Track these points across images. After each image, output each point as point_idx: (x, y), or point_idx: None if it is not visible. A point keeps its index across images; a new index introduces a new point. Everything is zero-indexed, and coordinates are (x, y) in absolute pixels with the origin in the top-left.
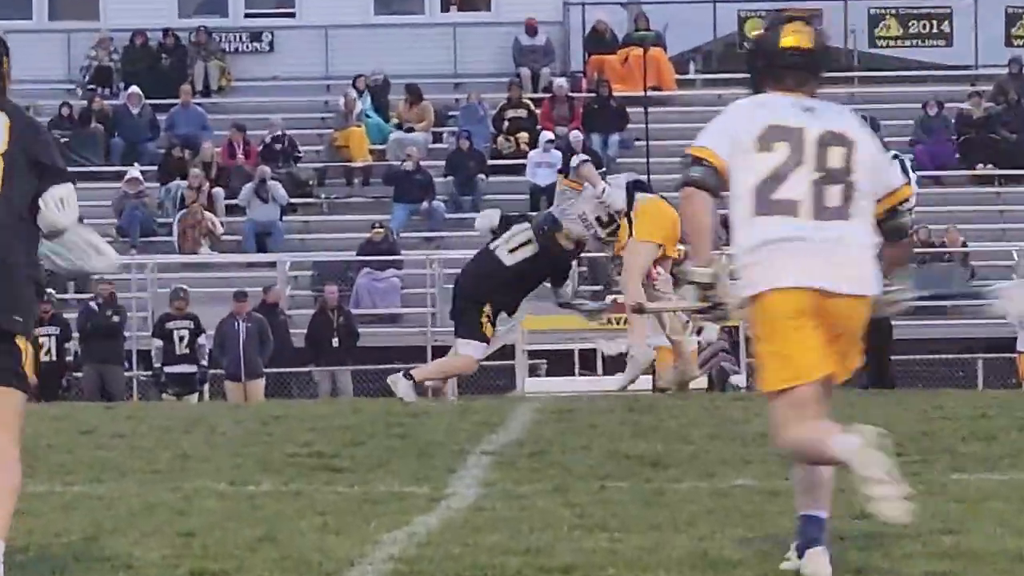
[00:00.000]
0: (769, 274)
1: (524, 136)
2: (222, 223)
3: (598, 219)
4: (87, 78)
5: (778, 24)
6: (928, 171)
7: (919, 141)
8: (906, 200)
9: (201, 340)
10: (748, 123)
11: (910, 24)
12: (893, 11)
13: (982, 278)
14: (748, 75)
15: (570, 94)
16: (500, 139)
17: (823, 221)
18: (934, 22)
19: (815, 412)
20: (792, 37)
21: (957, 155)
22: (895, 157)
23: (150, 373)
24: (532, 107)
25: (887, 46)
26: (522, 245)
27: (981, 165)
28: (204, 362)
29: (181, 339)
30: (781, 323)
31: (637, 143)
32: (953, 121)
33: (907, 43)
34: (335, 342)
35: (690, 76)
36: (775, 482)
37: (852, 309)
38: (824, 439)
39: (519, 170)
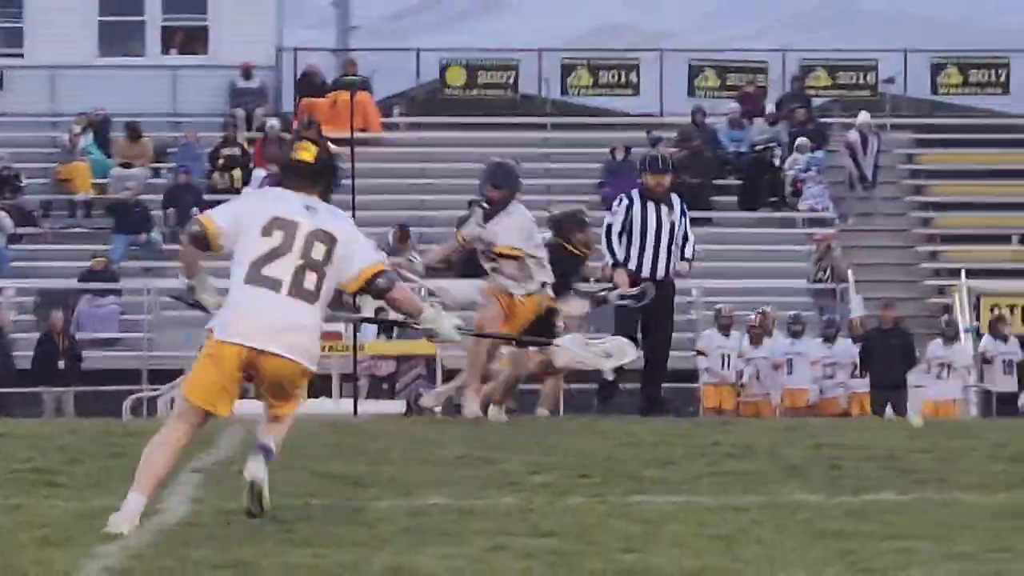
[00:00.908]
0: (229, 328)
1: (238, 173)
2: None
3: None
4: None
5: (293, 141)
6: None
7: (606, 183)
8: (378, 273)
9: None
10: (258, 209)
11: (600, 74)
12: (584, 62)
13: None
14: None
15: (281, 134)
16: (215, 175)
17: (295, 299)
18: (622, 72)
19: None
20: (300, 153)
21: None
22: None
23: None
24: (245, 146)
25: (579, 94)
26: None
27: None
28: None
29: None
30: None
31: (344, 182)
32: (638, 165)
33: (597, 92)
34: (61, 364)
35: (394, 119)
36: (470, 501)
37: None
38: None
39: None
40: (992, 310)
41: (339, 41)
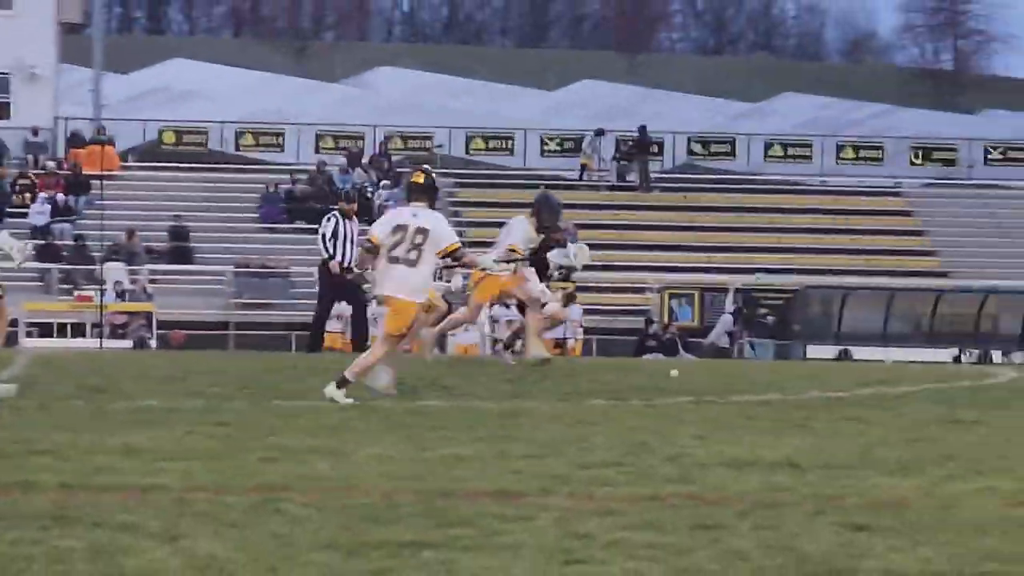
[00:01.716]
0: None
1: (28, 195)
2: None
3: None
4: None
5: (413, 170)
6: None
7: (262, 207)
8: (455, 248)
9: None
10: (389, 220)
11: (260, 137)
12: (253, 129)
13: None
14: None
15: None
16: (15, 196)
17: (406, 266)
18: (273, 136)
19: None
20: (415, 177)
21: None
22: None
23: None
24: (33, 178)
25: (247, 150)
26: None
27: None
28: None
29: None
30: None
31: (97, 202)
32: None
33: (259, 148)
34: None
35: (129, 163)
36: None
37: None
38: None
39: None
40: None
41: (95, 113)
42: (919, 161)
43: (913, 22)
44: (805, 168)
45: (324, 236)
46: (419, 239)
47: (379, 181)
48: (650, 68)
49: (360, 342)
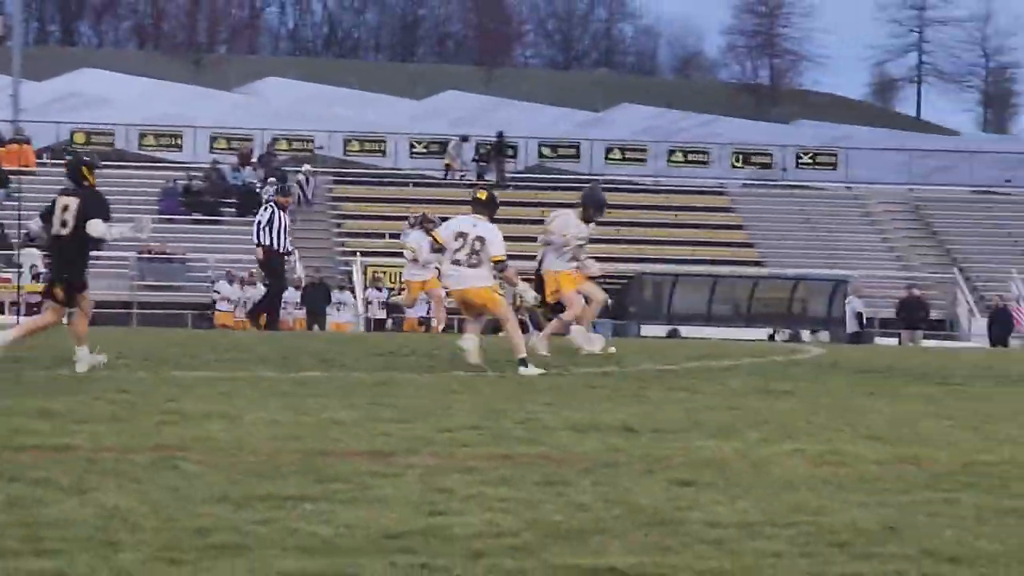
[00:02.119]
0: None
1: None
2: None
3: None
4: None
5: (479, 187)
6: None
7: (162, 200)
8: (499, 259)
9: None
10: (451, 227)
11: (159, 139)
12: (153, 132)
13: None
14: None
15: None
16: None
17: (470, 268)
18: (171, 138)
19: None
20: (478, 194)
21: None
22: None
23: None
24: None
25: (150, 149)
26: None
27: None
28: None
29: None
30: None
31: (15, 195)
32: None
33: (155, 148)
34: None
35: (44, 161)
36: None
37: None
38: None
39: None
40: (372, 273)
41: (14, 116)
42: (739, 164)
43: (735, 43)
44: (641, 170)
45: (259, 223)
46: (478, 246)
47: (266, 178)
48: (506, 80)
49: (256, 318)
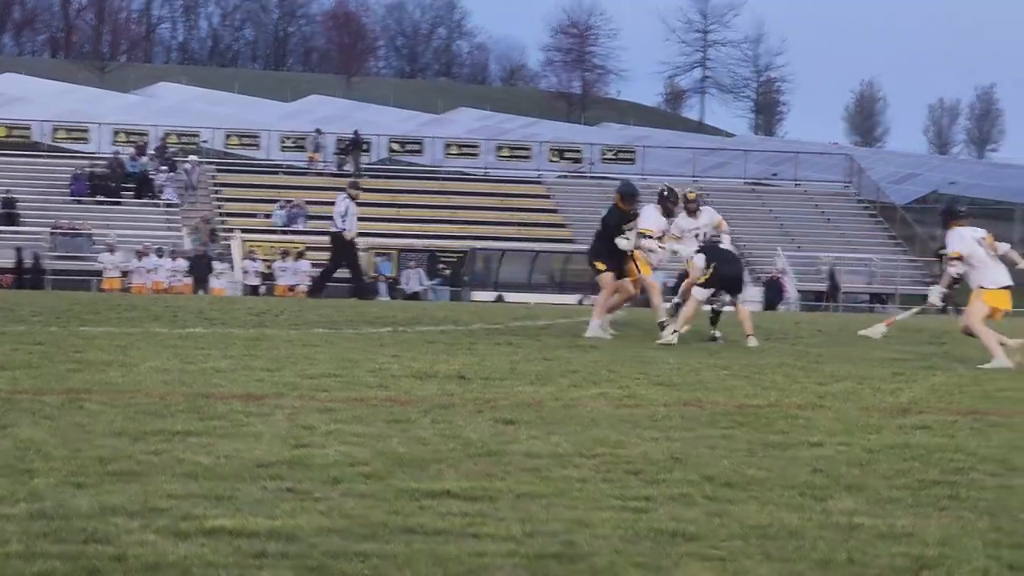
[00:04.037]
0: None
1: None
2: None
3: None
4: None
5: (676, 193)
6: None
7: (73, 184)
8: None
9: None
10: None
11: (76, 134)
12: (77, 127)
13: None
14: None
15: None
16: None
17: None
18: (83, 132)
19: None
20: (688, 194)
21: None
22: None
23: None
24: None
25: (67, 142)
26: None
27: None
28: None
29: None
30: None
31: None
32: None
33: (70, 140)
34: None
35: None
36: None
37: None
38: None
39: None
40: (248, 247)
41: None
42: (555, 159)
43: (553, 58)
44: (474, 163)
45: (338, 213)
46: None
47: (159, 167)
48: (362, 87)
49: (320, 289)
